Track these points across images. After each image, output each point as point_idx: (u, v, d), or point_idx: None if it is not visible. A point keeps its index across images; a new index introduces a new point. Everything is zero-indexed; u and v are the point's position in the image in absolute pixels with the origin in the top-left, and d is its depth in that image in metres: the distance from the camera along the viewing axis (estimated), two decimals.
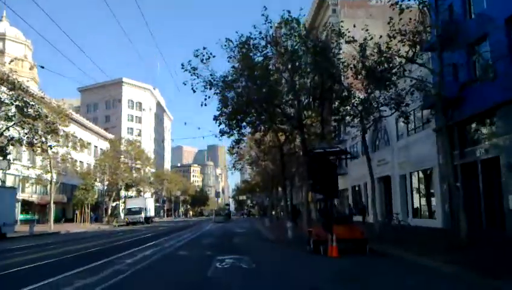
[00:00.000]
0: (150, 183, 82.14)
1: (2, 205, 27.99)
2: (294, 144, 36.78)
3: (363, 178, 42.21)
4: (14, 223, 30.48)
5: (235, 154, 45.06)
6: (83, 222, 57.75)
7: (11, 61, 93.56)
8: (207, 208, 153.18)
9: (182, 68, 22.36)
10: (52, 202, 43.55)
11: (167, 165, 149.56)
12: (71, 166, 48.03)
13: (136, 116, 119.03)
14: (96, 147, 72.40)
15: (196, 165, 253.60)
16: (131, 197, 79.66)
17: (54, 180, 49.35)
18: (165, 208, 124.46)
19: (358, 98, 22.93)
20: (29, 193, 55.60)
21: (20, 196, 53.77)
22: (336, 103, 23.72)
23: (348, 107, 24.85)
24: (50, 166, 42.85)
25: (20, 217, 53.99)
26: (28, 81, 59.54)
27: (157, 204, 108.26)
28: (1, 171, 44.11)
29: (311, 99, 25.31)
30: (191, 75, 22.43)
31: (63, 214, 64.35)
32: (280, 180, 48.07)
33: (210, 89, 22.60)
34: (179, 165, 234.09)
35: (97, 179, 59.20)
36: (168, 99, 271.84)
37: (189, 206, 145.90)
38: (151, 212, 64.62)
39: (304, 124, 25.71)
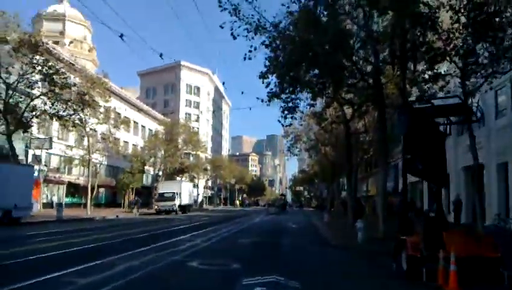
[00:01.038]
0: (204, 169, 77.57)
1: (13, 185, 23.40)
2: (365, 122, 29.92)
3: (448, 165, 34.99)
4: (31, 206, 26.00)
5: (291, 135, 38.88)
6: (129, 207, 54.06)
7: (71, 42, 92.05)
8: (264, 198, 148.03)
9: (220, 7, 16.36)
10: (90, 184, 39.31)
11: (225, 153, 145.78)
12: (113, 146, 43.61)
13: (194, 101, 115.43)
14: (145, 127, 68.55)
15: (254, 154, 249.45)
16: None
17: (97, 161, 45.47)
18: (222, 197, 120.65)
19: (459, 49, 15.52)
20: (76, 175, 52.25)
21: (66, 178, 50.61)
22: (426, 58, 16.46)
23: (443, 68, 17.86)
24: (88, 144, 38.63)
25: (66, 200, 51.00)
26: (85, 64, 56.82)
27: (211, 192, 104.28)
28: (43, 150, 40.64)
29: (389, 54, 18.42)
30: (231, 16, 16.41)
31: (113, 198, 61.11)
32: (344, 166, 41.33)
33: (256, 34, 16.49)
34: (237, 154, 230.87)
35: (145, 163, 55.01)
36: (227, 84, 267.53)
37: (245, 195, 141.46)
38: (189, 200, 52.62)
39: (381, 85, 18.85)
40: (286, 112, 21.02)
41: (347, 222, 28.75)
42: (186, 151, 58.66)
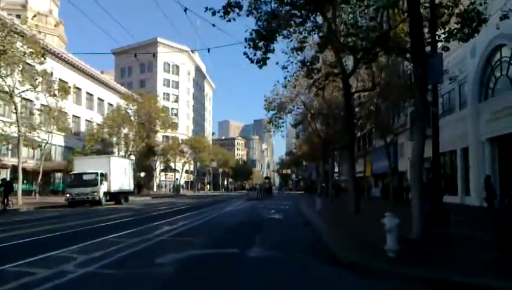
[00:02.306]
0: (180, 151, 69.03)
1: None
2: (373, 74, 21.88)
3: (460, 140, 29.16)
4: None
5: (274, 103, 30.65)
6: None
7: (34, 16, 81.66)
8: (250, 182, 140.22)
9: None
10: (21, 166, 30.65)
11: (209, 137, 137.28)
12: (57, 120, 34.69)
13: (173, 81, 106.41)
14: (103, 101, 58.81)
15: (240, 138, 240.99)
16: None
17: (40, 139, 36.80)
18: (205, 181, 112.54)
19: None
20: (24, 158, 43.49)
21: (10, 161, 42.01)
22: None
23: None
24: (17, 117, 29.97)
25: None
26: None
27: (191, 176, 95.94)
28: None
29: None
30: None
31: None
32: (337, 143, 33.35)
33: None
34: (223, 138, 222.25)
35: (106, 143, 46.47)
36: (210, 65, 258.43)
37: (231, 180, 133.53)
38: (125, 184, 35.55)
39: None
40: (259, 40, 13.02)
41: (347, 212, 20.87)
42: (155, 130, 49.99)
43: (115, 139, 46.67)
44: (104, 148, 48.65)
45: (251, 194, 43.95)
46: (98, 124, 48.74)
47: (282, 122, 31.88)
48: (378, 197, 51.12)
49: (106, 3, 34.18)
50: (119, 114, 45.41)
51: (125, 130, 46.42)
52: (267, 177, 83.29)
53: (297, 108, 32.17)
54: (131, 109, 46.41)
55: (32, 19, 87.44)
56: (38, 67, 30.16)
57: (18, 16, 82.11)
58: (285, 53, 20.52)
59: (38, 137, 35.39)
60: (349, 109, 20.34)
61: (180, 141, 69.28)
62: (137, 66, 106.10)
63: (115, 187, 32.76)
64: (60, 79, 36.81)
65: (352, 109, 20.83)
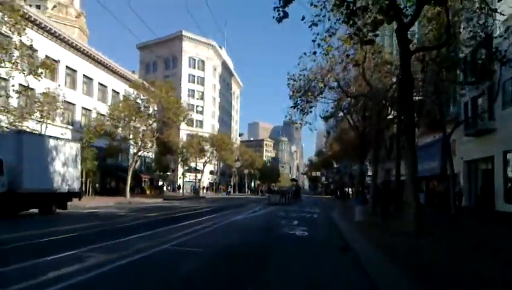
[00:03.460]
0: (200, 151, 62.96)
1: None
2: None
3: None
4: None
5: (300, 82, 23.72)
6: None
7: (54, 6, 77.00)
8: (279, 185, 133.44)
9: None
10: None
11: (235, 136, 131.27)
12: (44, 105, 28.96)
13: (198, 77, 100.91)
14: (106, 87, 52.23)
15: (269, 139, 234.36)
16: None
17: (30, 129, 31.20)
18: (231, 183, 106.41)
19: None
20: None
21: None
22: None
23: None
24: None
25: None
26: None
27: (214, 177, 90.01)
28: None
29: None
30: None
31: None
32: (374, 139, 26.41)
33: None
34: (251, 139, 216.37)
35: (113, 136, 40.84)
36: (238, 64, 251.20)
37: (258, 182, 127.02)
38: (65, 182, 22.16)
39: None
40: None
41: (402, 229, 14.09)
42: (168, 123, 43.84)
43: (121, 131, 40.86)
44: (113, 143, 43.12)
45: (273, 199, 37.12)
46: (101, 114, 43.06)
47: (311, 109, 25.13)
48: (422, 204, 44.13)
49: None
50: (128, 104, 39.70)
51: (135, 123, 40.65)
52: (294, 179, 76.23)
53: (330, 88, 25.15)
54: (141, 99, 40.62)
55: (52, 9, 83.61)
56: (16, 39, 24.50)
57: (38, 7, 78.58)
58: (315, 6, 14.02)
59: (27, 126, 29.73)
60: (407, 74, 13.49)
61: (201, 139, 63.28)
62: (162, 62, 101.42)
63: (30, 185, 19.41)
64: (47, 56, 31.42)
65: (411, 77, 13.96)
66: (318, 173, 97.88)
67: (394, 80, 24.68)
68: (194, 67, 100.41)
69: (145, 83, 42.98)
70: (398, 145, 27.42)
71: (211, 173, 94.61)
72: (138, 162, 60.86)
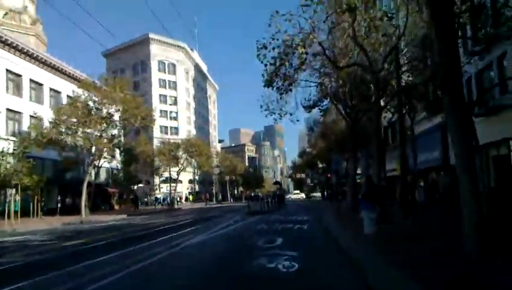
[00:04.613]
0: (173, 158, 56.60)
1: None
2: None
3: None
4: None
5: (273, 44, 17.70)
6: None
7: (5, 14, 69.73)
8: (262, 190, 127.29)
9: None
10: None
11: (214, 142, 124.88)
12: None
13: (170, 81, 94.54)
14: (41, 86, 43.80)
15: (251, 144, 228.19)
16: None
17: None
18: (214, 191, 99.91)
19: None
20: None
21: None
22: None
23: None
24: None
25: None
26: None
27: (191, 186, 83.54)
28: None
29: None
30: None
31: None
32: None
33: None
34: (233, 145, 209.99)
35: (60, 143, 34.48)
36: (213, 68, 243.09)
37: (241, 188, 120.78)
38: None
39: None
40: None
41: (468, 252, 8.29)
42: (126, 126, 37.37)
43: (70, 139, 34.42)
44: (68, 154, 36.80)
45: (253, 207, 31.01)
46: (37, 118, 36.45)
47: (290, 87, 19.20)
48: (422, 201, 39.05)
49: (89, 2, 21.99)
50: (76, 107, 33.36)
51: (87, 129, 34.32)
52: (277, 182, 69.94)
53: (314, 55, 19.28)
54: (93, 101, 34.32)
55: (3, 17, 76.38)
56: None
57: None
58: None
59: None
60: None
61: (173, 145, 57.00)
62: (130, 68, 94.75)
63: None
64: None
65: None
66: (303, 175, 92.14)
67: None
68: (165, 72, 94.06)
69: (96, 81, 36.54)
70: (402, 132, 21.78)
71: (190, 182, 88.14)
72: (104, 175, 54.29)
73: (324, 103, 32.33)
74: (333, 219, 20.28)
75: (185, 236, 15.29)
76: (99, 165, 42.53)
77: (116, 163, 47.89)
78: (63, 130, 33.31)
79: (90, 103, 34.78)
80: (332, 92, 28.21)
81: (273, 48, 17.47)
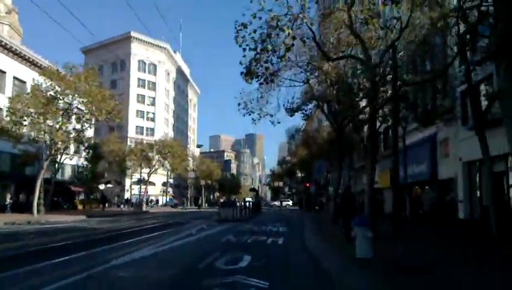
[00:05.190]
0: (145, 159, 52.85)
1: None
2: None
3: None
4: None
5: (253, 32, 14.39)
6: None
7: None
8: (240, 197, 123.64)
9: None
10: None
11: (192, 146, 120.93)
12: None
13: (149, 82, 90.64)
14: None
15: (230, 150, 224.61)
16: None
17: None
18: (189, 195, 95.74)
19: None
20: None
21: None
22: None
23: None
24: None
25: None
26: None
27: (163, 188, 79.48)
28: None
29: None
30: None
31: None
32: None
33: None
34: (212, 150, 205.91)
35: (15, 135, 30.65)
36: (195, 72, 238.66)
37: (217, 194, 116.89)
38: None
39: None
40: None
41: None
42: (88, 119, 33.41)
43: (28, 131, 30.60)
44: (27, 147, 32.97)
45: (224, 213, 27.50)
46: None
47: (273, 77, 16.11)
48: (405, 216, 36.32)
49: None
50: (36, 96, 29.60)
51: (45, 120, 30.57)
52: (253, 189, 66.64)
53: (302, 40, 16.02)
54: (54, 90, 30.62)
55: None
56: None
57: None
58: None
59: None
60: None
61: (146, 145, 53.19)
62: (109, 65, 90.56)
63: None
64: None
65: None
66: (281, 183, 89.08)
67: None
68: (145, 71, 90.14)
69: (60, 70, 32.78)
70: (395, 140, 18.82)
71: (164, 184, 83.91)
72: (69, 172, 50.19)
73: (308, 107, 29.49)
74: (313, 233, 17.12)
75: (128, 248, 11.84)
76: (61, 161, 38.55)
77: (82, 160, 43.86)
78: (17, 119, 29.47)
79: (52, 92, 31.04)
80: (318, 93, 25.27)
81: (255, 31, 14.23)
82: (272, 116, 26.75)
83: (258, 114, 25.76)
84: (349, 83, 24.20)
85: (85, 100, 31.78)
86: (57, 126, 31.33)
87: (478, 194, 27.63)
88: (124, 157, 52.20)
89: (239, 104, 25.37)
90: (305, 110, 28.98)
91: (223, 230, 19.66)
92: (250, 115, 25.56)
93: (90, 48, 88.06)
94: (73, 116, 32.17)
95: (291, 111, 28.46)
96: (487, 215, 25.41)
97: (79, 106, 32.57)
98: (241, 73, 14.86)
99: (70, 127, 32.55)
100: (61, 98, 30.95)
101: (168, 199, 79.37)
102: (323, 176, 20.83)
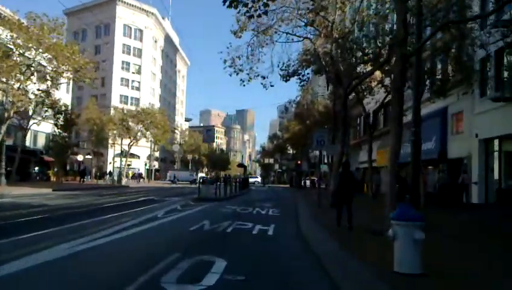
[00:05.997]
0: (123, 126, 48.59)
1: None
2: None
3: None
4: None
5: None
6: None
7: None
8: (229, 173, 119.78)
9: None
10: None
11: (181, 119, 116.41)
12: None
13: (135, 48, 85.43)
14: None
15: (220, 126, 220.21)
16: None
17: None
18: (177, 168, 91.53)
19: None
20: None
21: None
22: None
23: None
24: None
25: None
26: None
27: (150, 162, 75.29)
28: None
29: None
30: None
31: None
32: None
33: None
34: (201, 125, 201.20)
35: None
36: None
37: (206, 170, 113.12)
38: None
39: None
40: None
41: None
42: (52, 76, 28.90)
43: None
44: None
45: (205, 191, 23.43)
46: None
47: (265, 9, 12.24)
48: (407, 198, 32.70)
49: None
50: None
51: (4, 78, 26.21)
52: (241, 165, 62.71)
53: None
54: (14, 43, 26.19)
55: None
56: None
57: None
58: None
59: None
60: None
61: (126, 114, 48.84)
62: (93, 29, 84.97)
63: None
64: None
65: None
66: (271, 160, 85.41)
67: None
68: (130, 37, 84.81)
69: (22, 20, 28.20)
70: (417, 105, 14.94)
71: (148, 158, 79.73)
72: (43, 141, 45.97)
73: (306, 72, 25.61)
74: (313, 221, 13.34)
75: (37, 243, 7.79)
76: (27, 126, 34.25)
77: (53, 127, 39.53)
78: None
79: (11, 46, 26.58)
80: (323, 49, 21.28)
81: None
82: (264, 78, 22.87)
83: (248, 74, 21.81)
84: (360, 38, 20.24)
85: (49, 56, 27.35)
86: (16, 85, 26.97)
87: (496, 176, 24.31)
88: (101, 126, 47.89)
89: (225, 62, 21.35)
90: (302, 76, 25.05)
91: (198, 212, 15.80)
92: (237, 74, 21.66)
93: (73, 10, 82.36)
94: (35, 74, 27.78)
95: (286, 76, 24.45)
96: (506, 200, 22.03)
97: (42, 62, 28.16)
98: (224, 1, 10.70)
99: (32, 87, 28.16)
100: (21, 51, 26.51)
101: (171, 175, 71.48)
102: (328, 148, 17.09)
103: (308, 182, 58.04)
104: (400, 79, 10.94)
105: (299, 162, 54.60)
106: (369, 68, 21.30)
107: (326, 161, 44.15)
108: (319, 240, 9.40)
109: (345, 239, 9.14)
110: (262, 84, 22.59)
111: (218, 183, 25.06)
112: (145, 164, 75.81)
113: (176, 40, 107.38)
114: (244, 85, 21.78)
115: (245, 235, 10.18)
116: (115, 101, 77.31)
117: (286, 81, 24.53)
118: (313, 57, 22.34)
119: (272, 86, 22.76)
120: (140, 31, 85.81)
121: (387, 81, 27.69)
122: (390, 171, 10.70)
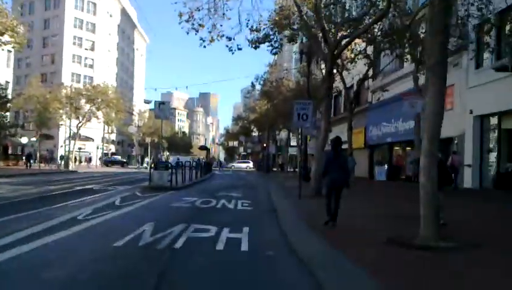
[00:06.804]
0: (71, 105, 43.18)
1: None
2: None
3: None
4: None
5: None
6: None
7: None
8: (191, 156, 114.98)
9: None
10: None
11: (139, 101, 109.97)
12: None
13: (88, 22, 78.65)
14: None
15: (182, 108, 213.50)
16: None
17: None
18: (134, 154, 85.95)
19: None
20: None
21: None
22: None
23: None
24: None
25: None
26: None
27: (108, 146, 69.71)
28: None
29: None
30: None
31: None
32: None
33: None
34: None
35: None
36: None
37: (167, 153, 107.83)
38: None
39: None
40: None
41: None
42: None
43: None
44: None
45: (157, 179, 19.07)
46: None
47: None
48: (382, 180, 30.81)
49: None
50: None
51: None
52: (204, 147, 58.36)
53: None
54: None
55: None
56: None
57: None
58: None
59: None
60: None
61: (74, 91, 43.44)
62: (41, 1, 77.55)
63: None
64: None
65: None
66: (236, 143, 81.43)
67: None
68: (83, 10, 77.93)
69: None
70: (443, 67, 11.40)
71: (103, 140, 73.95)
72: None
73: (279, 37, 21.78)
74: (299, 220, 9.50)
75: None
76: None
77: None
78: None
79: None
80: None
81: None
82: (230, 39, 18.66)
83: (210, 32, 17.51)
84: None
85: None
86: None
87: (493, 158, 21.55)
88: (46, 105, 42.39)
89: (181, 15, 16.92)
90: (275, 41, 21.03)
91: (142, 209, 11.66)
92: (197, 32, 17.30)
93: None
94: None
95: (255, 41, 20.41)
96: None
97: None
98: None
99: None
100: None
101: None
102: (311, 123, 13.48)
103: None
104: (442, 18, 7.07)
105: (265, 145, 51.03)
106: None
107: (295, 143, 40.71)
108: (329, 262, 5.52)
109: (380, 261, 5.32)
110: (228, 46, 18.42)
111: (174, 169, 20.68)
112: (97, 147, 69.86)
113: (133, 14, 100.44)
114: (204, 46, 17.48)
115: (204, 255, 6.18)
116: (66, 79, 70.79)
117: (256, 48, 20.51)
118: (290, 13, 18.38)
119: (239, 49, 18.63)
120: (94, 3, 79.06)
121: (369, 50, 24.36)
122: (427, 149, 6.95)
